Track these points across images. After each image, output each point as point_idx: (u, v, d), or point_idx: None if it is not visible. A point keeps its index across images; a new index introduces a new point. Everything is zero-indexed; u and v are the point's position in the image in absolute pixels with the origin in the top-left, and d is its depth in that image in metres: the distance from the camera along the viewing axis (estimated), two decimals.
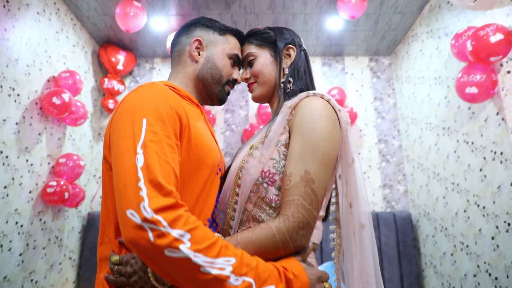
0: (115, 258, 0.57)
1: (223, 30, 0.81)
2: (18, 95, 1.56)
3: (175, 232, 0.46)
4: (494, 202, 1.43)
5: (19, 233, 1.56)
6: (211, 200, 0.65)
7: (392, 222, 2.07)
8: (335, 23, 2.08)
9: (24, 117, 1.60)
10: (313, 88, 0.80)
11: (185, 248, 0.46)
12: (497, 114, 1.40)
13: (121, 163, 0.52)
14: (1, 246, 1.46)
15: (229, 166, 0.71)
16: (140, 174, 0.50)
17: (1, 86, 1.47)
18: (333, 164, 0.63)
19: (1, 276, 1.46)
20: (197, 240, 0.47)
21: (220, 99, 0.79)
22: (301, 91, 0.76)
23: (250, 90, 0.82)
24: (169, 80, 0.78)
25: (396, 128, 2.31)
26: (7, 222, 1.49)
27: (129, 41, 2.26)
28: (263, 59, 0.78)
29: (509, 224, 1.36)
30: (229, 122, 2.37)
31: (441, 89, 1.81)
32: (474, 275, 1.53)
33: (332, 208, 0.72)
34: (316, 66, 2.42)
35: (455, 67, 1.67)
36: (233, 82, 0.81)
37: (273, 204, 0.62)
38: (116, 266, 0.56)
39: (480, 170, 1.51)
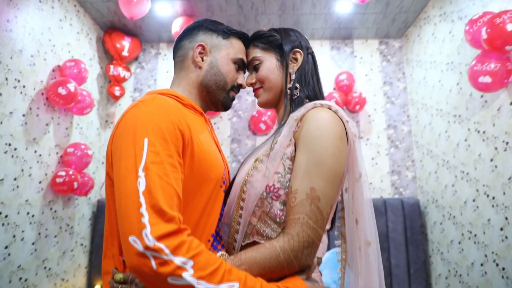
0: (119, 276, 0.57)
1: (227, 33, 0.77)
2: (24, 86, 1.56)
3: (177, 260, 0.46)
4: (504, 193, 1.41)
5: (30, 223, 1.59)
6: (215, 214, 0.64)
7: (400, 208, 2.06)
8: (344, 5, 2.01)
9: (30, 108, 1.60)
10: (321, 94, 0.77)
11: (188, 275, 0.46)
12: (511, 103, 1.36)
13: (123, 186, 0.51)
14: (14, 236, 1.49)
15: (234, 178, 0.69)
16: (142, 199, 0.49)
17: (7, 79, 1.46)
18: (340, 179, 0.61)
19: (15, 265, 1.49)
20: (200, 267, 0.47)
21: (225, 106, 0.76)
22: (308, 97, 0.73)
23: (256, 96, 0.79)
24: (172, 87, 0.75)
25: (406, 113, 2.26)
26: (18, 213, 1.52)
27: (134, 27, 2.22)
28: (269, 63, 0.76)
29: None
30: (236, 108, 2.35)
31: (453, 75, 1.76)
32: (481, 264, 1.53)
33: (338, 223, 0.71)
34: (325, 50, 2.37)
35: (469, 53, 1.61)
36: (238, 88, 0.79)
37: (278, 219, 0.61)
38: (120, 285, 0.56)
39: (491, 160, 1.48)
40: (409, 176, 2.19)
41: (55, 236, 1.77)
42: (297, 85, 0.74)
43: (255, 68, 0.77)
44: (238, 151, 2.28)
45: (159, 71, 2.40)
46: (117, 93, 2.19)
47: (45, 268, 1.69)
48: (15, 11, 1.51)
